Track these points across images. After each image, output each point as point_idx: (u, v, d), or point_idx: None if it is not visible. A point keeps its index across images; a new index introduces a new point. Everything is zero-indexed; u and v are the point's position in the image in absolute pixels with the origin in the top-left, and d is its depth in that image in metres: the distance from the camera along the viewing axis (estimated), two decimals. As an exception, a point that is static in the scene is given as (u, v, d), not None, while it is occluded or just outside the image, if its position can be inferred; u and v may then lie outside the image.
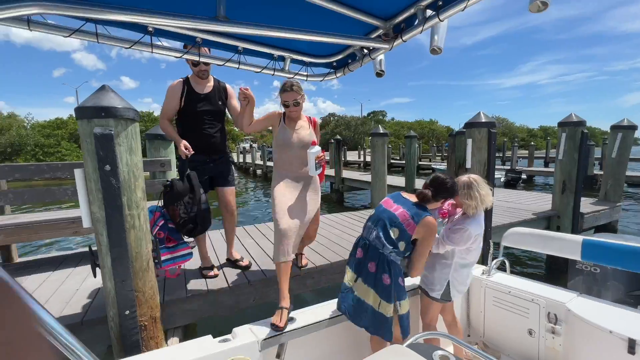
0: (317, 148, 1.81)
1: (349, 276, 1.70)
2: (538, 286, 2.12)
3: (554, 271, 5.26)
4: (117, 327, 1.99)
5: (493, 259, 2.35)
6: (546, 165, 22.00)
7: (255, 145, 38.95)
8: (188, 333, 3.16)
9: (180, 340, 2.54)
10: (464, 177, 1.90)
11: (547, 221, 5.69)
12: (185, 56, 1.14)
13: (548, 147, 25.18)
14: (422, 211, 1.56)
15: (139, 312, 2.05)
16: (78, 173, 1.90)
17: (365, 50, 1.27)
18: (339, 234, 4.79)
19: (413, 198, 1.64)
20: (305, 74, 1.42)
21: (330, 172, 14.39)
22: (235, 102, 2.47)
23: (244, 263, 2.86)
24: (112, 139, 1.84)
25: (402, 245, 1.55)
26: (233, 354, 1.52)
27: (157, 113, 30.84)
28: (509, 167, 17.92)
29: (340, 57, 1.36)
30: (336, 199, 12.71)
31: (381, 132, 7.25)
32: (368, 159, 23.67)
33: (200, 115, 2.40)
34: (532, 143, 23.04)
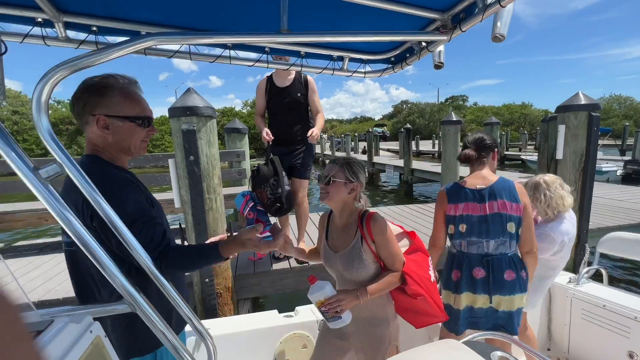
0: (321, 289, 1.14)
1: (480, 301, 1.51)
2: None
3: None
4: (199, 292, 2.55)
5: (586, 265, 2.06)
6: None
7: (325, 135, 39.79)
8: (257, 306, 3.63)
9: (249, 311, 2.99)
10: (535, 178, 1.76)
11: None
12: (257, 64, 1.32)
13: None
14: (505, 184, 1.47)
15: (216, 281, 2.54)
16: (171, 163, 2.46)
17: (423, 44, 1.26)
18: (403, 225, 4.68)
19: (478, 181, 1.50)
20: (364, 71, 1.47)
21: (399, 162, 13.90)
22: (315, 97, 2.61)
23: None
24: (194, 133, 2.29)
25: (516, 229, 1.47)
26: (295, 329, 1.72)
27: (238, 108, 33.96)
28: (629, 158, 14.55)
29: (397, 52, 1.37)
30: (405, 191, 12.27)
31: (454, 119, 6.72)
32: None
33: (279, 107, 2.60)
34: (667, 127, 18.19)
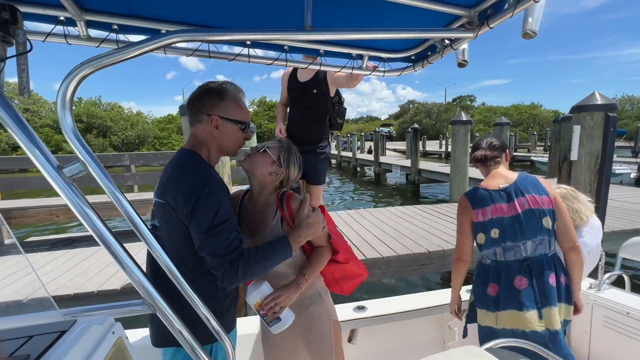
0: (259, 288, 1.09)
1: (532, 318, 1.32)
2: None
3: None
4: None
5: (606, 271, 2.01)
6: None
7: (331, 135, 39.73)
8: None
9: None
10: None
11: None
12: (276, 63, 1.30)
13: None
14: (529, 178, 1.41)
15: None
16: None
17: (447, 41, 1.22)
18: (408, 225, 4.67)
19: (499, 181, 1.43)
20: (383, 69, 1.44)
21: (406, 162, 13.82)
22: (336, 76, 2.23)
23: None
24: None
25: (552, 225, 1.38)
26: None
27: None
28: (642, 160, 14.23)
29: (419, 50, 1.33)
30: (412, 192, 12.18)
31: (464, 119, 6.65)
32: (450, 148, 21.88)
33: (295, 104, 2.50)
34: (682, 129, 17.81)
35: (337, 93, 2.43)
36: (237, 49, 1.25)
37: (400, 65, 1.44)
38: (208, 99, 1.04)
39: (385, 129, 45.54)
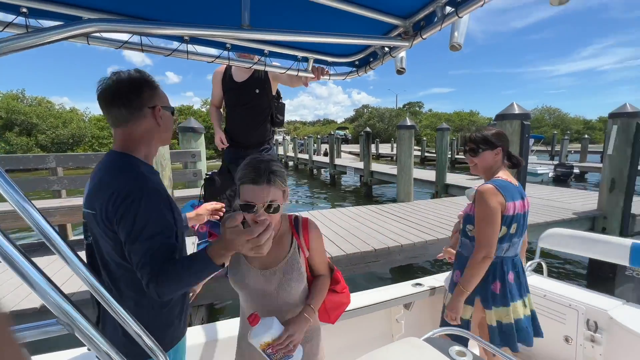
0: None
1: (520, 308, 1.47)
2: (577, 291, 2.02)
3: (597, 277, 4.85)
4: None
5: (528, 260, 2.26)
6: (603, 160, 20.07)
7: (288, 137, 39.60)
8: (214, 313, 3.43)
9: (204, 321, 2.80)
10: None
11: (592, 222, 5.26)
12: (217, 61, 1.25)
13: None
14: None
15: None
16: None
17: (386, 49, 1.29)
18: (357, 225, 4.84)
19: (512, 178, 1.50)
20: (329, 73, 1.47)
21: (360, 165, 14.28)
22: (277, 73, 2.06)
23: None
24: None
25: (470, 230, 1.49)
26: None
27: (197, 107, 32.44)
28: (557, 162, 16.49)
29: (361, 56, 1.39)
30: (365, 192, 12.62)
31: (408, 124, 7.09)
32: (401, 151, 23.18)
33: (235, 106, 2.29)
34: (586, 136, 20.95)
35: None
36: (175, 44, 1.18)
37: (345, 69, 1.49)
38: (147, 91, 0.95)
39: (341, 132, 46.70)
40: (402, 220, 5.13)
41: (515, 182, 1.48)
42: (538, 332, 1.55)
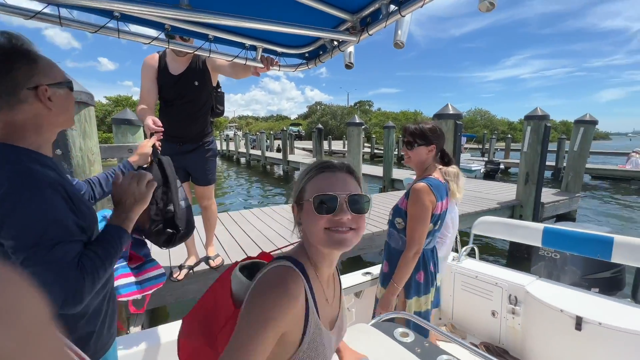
0: None
1: (430, 297, 1.60)
2: (502, 271, 2.28)
3: (516, 258, 5.60)
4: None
5: (463, 246, 2.50)
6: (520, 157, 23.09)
7: (239, 132, 38.26)
8: (157, 318, 3.19)
9: (144, 326, 2.60)
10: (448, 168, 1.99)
11: (511, 210, 6.02)
12: (154, 43, 1.14)
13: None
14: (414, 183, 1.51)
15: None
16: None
17: (335, 43, 1.30)
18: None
19: (440, 175, 1.56)
20: (279, 64, 1.44)
21: (312, 161, 14.38)
22: (219, 63, 2.03)
23: (214, 264, 2.66)
24: None
25: (399, 223, 1.53)
26: None
27: (136, 97, 29.63)
28: (487, 159, 18.48)
29: (311, 48, 1.39)
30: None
31: (357, 121, 7.36)
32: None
33: (172, 101, 2.08)
34: (509, 135, 23.79)
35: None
36: (103, 20, 1.05)
37: (295, 61, 1.48)
38: (22, 67, 0.72)
39: (295, 129, 46.54)
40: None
41: (443, 179, 1.54)
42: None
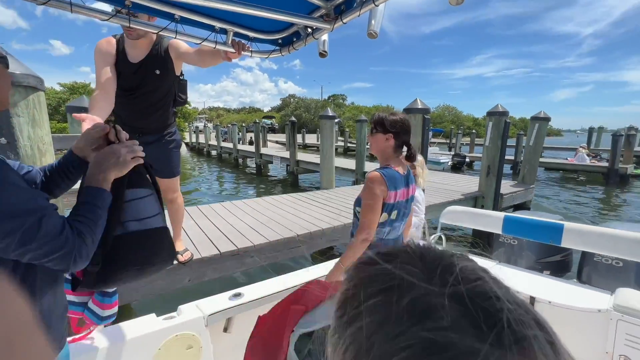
0: None
1: None
2: None
3: (476, 245, 5.95)
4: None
5: (431, 234, 2.60)
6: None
7: (210, 124, 36.91)
8: (123, 315, 3.06)
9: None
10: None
11: (474, 201, 6.40)
12: (113, 20, 1.05)
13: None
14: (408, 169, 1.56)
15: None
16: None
17: (309, 30, 1.28)
18: (281, 212, 4.90)
19: (401, 167, 1.57)
20: (250, 49, 1.39)
21: (285, 154, 14.29)
22: (183, 50, 1.89)
23: (182, 258, 2.60)
24: (7, 108, 1.67)
25: (359, 212, 1.54)
26: (178, 330, 1.52)
27: (94, 85, 27.51)
28: (454, 152, 19.38)
29: (285, 34, 1.35)
30: (291, 181, 12.73)
31: (330, 114, 7.38)
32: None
33: (131, 90, 1.92)
34: (473, 131, 25.09)
35: None
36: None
37: (267, 47, 1.43)
38: None
39: (268, 121, 45.71)
40: (322, 206, 5.34)
41: (403, 170, 1.54)
42: None
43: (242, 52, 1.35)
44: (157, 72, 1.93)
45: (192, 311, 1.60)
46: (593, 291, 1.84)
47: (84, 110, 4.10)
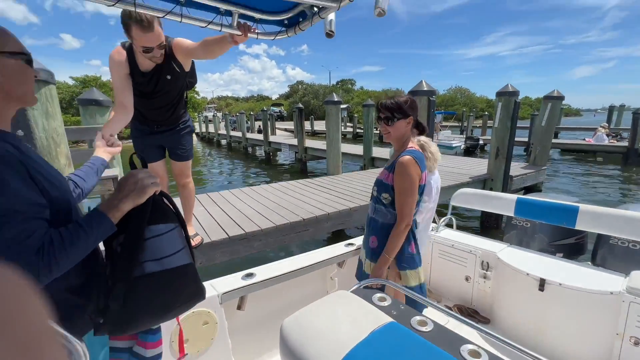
0: None
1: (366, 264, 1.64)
2: (476, 239, 2.41)
3: (486, 227, 5.91)
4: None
5: (441, 217, 2.60)
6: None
7: (219, 114, 37.01)
8: None
9: None
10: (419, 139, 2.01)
11: (482, 183, 6.30)
12: (118, 5, 1.05)
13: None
14: (398, 157, 1.48)
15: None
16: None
17: (315, 9, 1.25)
18: (287, 198, 4.96)
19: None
20: (257, 31, 1.37)
21: (293, 141, 14.27)
22: (189, 48, 1.90)
23: (193, 243, 2.76)
24: None
25: (386, 198, 1.53)
26: (195, 307, 1.60)
27: (105, 78, 27.74)
28: (466, 136, 18.91)
29: (290, 14, 1.32)
30: (300, 168, 12.77)
31: (334, 99, 7.26)
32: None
33: (145, 95, 2.05)
34: (486, 113, 24.33)
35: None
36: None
37: (273, 28, 1.41)
38: None
39: (276, 109, 45.49)
40: (328, 191, 5.37)
41: (419, 149, 1.55)
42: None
43: (249, 34, 1.34)
44: (169, 77, 2.01)
45: (207, 289, 1.68)
46: (606, 274, 1.82)
47: (95, 101, 4.18)
